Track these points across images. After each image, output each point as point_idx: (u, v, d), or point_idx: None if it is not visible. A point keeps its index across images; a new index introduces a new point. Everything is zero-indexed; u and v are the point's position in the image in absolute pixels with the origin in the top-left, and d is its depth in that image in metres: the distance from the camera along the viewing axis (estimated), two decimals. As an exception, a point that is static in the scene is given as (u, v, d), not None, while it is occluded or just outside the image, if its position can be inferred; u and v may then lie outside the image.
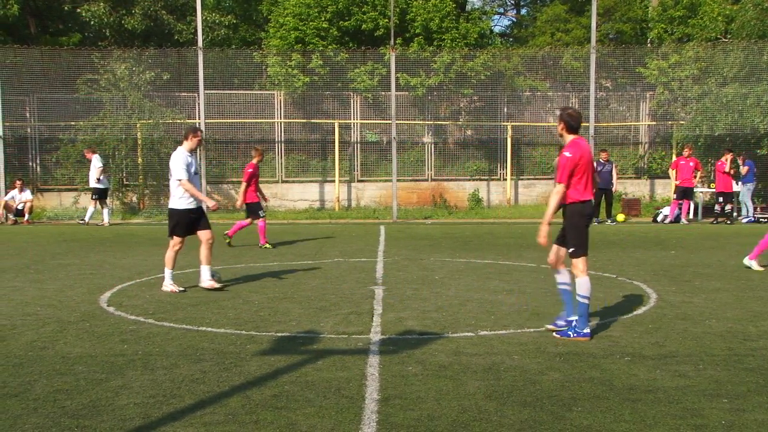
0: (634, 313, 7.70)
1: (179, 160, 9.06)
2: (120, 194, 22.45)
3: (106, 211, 19.44)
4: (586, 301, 6.60)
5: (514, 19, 40.64)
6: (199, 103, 21.48)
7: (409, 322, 7.23)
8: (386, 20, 24.35)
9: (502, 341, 6.47)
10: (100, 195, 19.44)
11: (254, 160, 13.98)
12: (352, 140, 23.70)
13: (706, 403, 4.85)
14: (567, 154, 6.58)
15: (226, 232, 14.14)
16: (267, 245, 13.84)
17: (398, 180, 21.86)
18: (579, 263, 6.76)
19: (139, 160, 22.52)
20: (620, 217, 20.38)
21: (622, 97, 25.10)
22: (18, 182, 20.56)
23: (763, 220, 19.80)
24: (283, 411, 4.66)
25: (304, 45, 24.55)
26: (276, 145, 23.40)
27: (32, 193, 21.21)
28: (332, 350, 6.19)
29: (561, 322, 6.81)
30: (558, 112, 6.87)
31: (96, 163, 19.36)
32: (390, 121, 21.59)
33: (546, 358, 5.91)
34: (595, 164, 20.25)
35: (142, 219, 21.26)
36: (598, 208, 19.63)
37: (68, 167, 22.22)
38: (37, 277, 10.31)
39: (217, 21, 26.56)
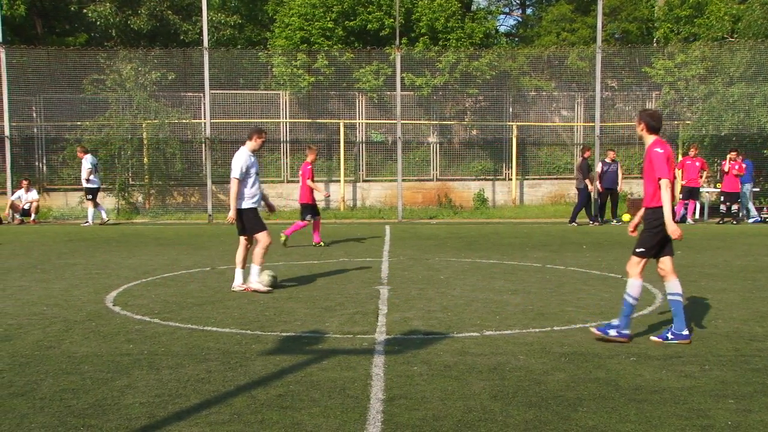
0: (640, 313, 7.68)
1: (240, 159, 9.00)
2: (126, 194, 22.50)
3: (91, 211, 19.50)
4: (633, 302, 6.45)
5: (520, 19, 40.59)
6: (204, 103, 21.51)
7: (415, 322, 7.23)
8: (391, 20, 24.35)
9: (507, 341, 6.47)
10: (92, 194, 19.49)
11: (309, 159, 13.93)
12: (357, 140, 23.70)
13: (713, 403, 4.83)
14: (658, 149, 6.47)
15: (284, 231, 14.11)
16: (321, 244, 13.98)
17: (403, 180, 21.85)
18: (637, 265, 6.49)
19: (145, 159, 22.57)
20: (626, 217, 20.32)
21: (627, 96, 25.04)
22: (24, 182, 20.62)
23: (769, 220, 19.72)
24: (289, 411, 4.66)
25: (309, 45, 24.57)
26: (281, 145, 23.41)
27: (38, 192, 21.27)
28: (337, 350, 6.19)
29: (669, 335, 6.47)
30: (638, 113, 6.74)
31: (86, 164, 19.38)
32: (395, 121, 21.58)
33: (551, 358, 5.90)
34: (600, 164, 20.02)
35: (147, 219, 21.31)
36: (604, 208, 19.59)
37: (74, 167, 22.25)
38: (44, 276, 10.34)
39: (222, 21, 26.61)
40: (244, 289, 9.00)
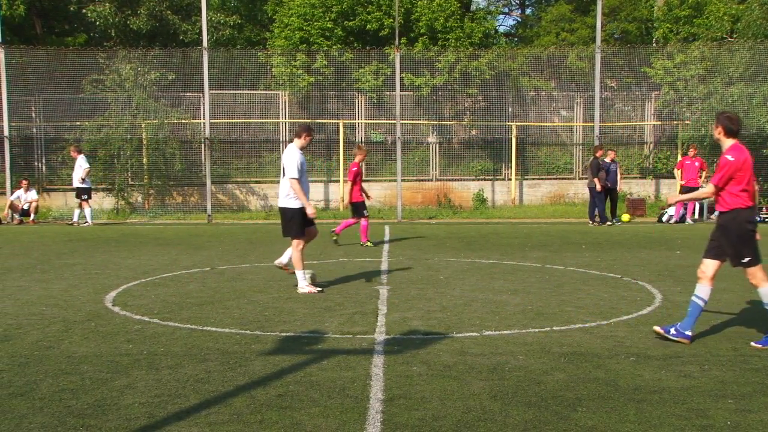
0: (639, 313, 7.68)
1: (294, 158, 8.90)
2: (125, 194, 22.50)
3: (77, 212, 19.53)
4: None
5: (519, 19, 40.61)
6: (204, 103, 21.51)
7: (414, 322, 7.23)
8: (391, 20, 24.36)
9: (506, 341, 6.47)
10: (88, 195, 19.50)
11: (357, 159, 13.95)
12: (356, 140, 23.70)
13: (712, 403, 4.83)
14: (729, 157, 6.27)
15: (333, 229, 14.20)
16: (368, 243, 13.98)
17: (403, 180, 21.86)
18: (757, 273, 6.34)
19: (145, 160, 22.57)
20: (625, 217, 20.34)
21: (627, 96, 25.05)
22: (24, 182, 20.62)
23: (768, 220, 19.74)
24: (288, 411, 4.66)
25: (308, 45, 24.57)
26: (281, 145, 23.41)
27: (38, 192, 21.27)
28: (337, 350, 6.19)
29: (672, 330, 6.41)
30: (716, 115, 6.55)
31: (82, 163, 19.38)
32: (395, 121, 21.58)
33: (551, 358, 5.90)
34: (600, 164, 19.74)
35: (146, 219, 21.32)
36: (604, 208, 19.58)
37: (74, 167, 22.26)
38: (43, 276, 10.34)
39: (222, 21, 26.61)
40: (308, 292, 8.89)
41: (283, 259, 9.40)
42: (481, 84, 23.68)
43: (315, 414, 4.61)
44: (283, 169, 8.96)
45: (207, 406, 4.74)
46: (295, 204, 8.92)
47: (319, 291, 8.89)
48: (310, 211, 8.93)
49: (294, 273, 9.10)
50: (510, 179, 24.00)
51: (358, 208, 13.92)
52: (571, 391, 5.06)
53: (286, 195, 8.97)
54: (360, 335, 6.70)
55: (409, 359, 5.86)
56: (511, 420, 4.50)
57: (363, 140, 23.65)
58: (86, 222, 19.44)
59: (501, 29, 39.24)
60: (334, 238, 14.06)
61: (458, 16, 25.64)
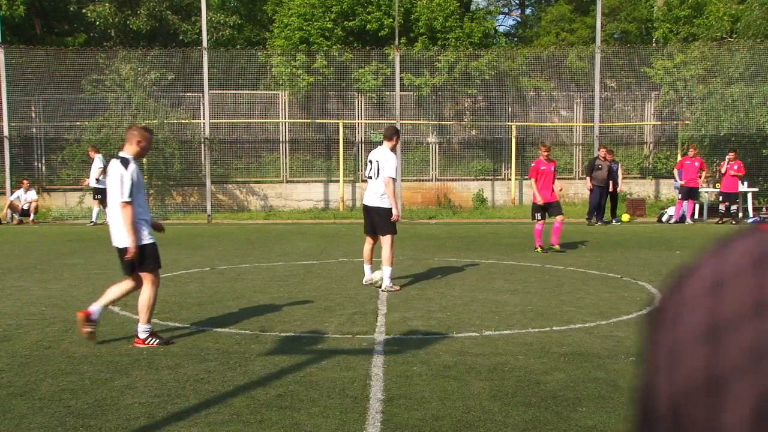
0: (639, 313, 7.68)
1: (394, 160, 9.20)
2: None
3: (95, 210, 19.55)
4: None
5: (519, 19, 40.62)
6: (203, 103, 21.52)
7: (414, 322, 7.23)
8: (390, 20, 24.36)
9: (506, 341, 6.47)
10: (102, 194, 19.53)
11: (542, 157, 13.20)
12: (356, 140, 23.70)
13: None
14: None
15: (552, 241, 13.00)
16: (556, 246, 12.89)
17: (402, 180, 21.85)
18: None
19: (144, 160, 22.55)
20: (625, 217, 20.33)
21: (627, 96, 25.06)
22: (25, 182, 20.63)
23: (768, 220, 19.73)
24: (288, 411, 4.66)
25: (308, 45, 24.58)
26: (280, 145, 23.42)
27: (37, 193, 21.27)
28: (337, 350, 6.19)
29: None
30: None
31: (98, 163, 19.42)
32: (394, 121, 21.59)
33: (551, 358, 5.90)
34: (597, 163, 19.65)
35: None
36: (603, 208, 19.59)
37: (73, 167, 22.28)
38: (43, 276, 10.34)
39: (222, 21, 26.60)
40: (384, 289, 9.05)
41: (377, 276, 9.34)
42: (480, 84, 23.69)
43: (315, 414, 4.61)
44: (378, 169, 9.17)
45: (207, 406, 4.75)
46: (388, 204, 9.18)
47: (396, 289, 9.09)
48: (395, 215, 9.24)
49: (388, 289, 9.10)
50: (510, 179, 24.00)
51: (541, 209, 12.89)
52: (570, 391, 5.06)
53: (381, 195, 9.21)
54: (360, 335, 6.70)
55: (409, 359, 5.86)
56: (511, 420, 4.50)
57: (363, 140, 23.65)
58: (92, 222, 19.47)
59: (501, 29, 39.26)
60: (557, 248, 12.89)
61: (458, 16, 25.65)
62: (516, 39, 37.33)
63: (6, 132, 21.38)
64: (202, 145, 21.87)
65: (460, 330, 6.89)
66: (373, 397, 4.92)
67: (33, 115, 22.84)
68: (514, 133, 23.69)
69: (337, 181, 23.17)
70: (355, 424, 4.44)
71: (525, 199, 24.16)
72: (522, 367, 5.65)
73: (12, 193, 20.82)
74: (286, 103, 23.54)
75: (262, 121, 23.41)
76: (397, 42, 21.61)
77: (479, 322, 7.23)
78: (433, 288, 9.25)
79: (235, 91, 23.51)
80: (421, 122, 24.04)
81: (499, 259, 12.15)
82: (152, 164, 22.58)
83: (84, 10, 25.83)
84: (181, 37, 26.61)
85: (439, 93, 23.87)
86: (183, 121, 22.41)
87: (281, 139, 23.52)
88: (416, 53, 23.61)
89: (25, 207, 20.48)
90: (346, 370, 5.53)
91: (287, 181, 23.50)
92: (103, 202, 19.59)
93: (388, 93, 23.14)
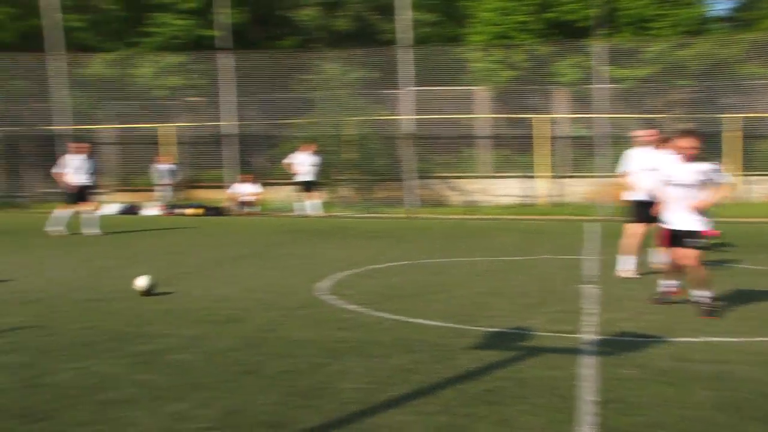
0: None
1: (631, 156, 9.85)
2: (333, 188, 23.67)
3: (309, 203, 20.72)
4: None
5: (738, 2, 37.36)
6: (404, 100, 22.05)
7: (623, 323, 6.93)
8: (592, 10, 23.46)
9: (729, 349, 5.99)
10: (308, 187, 20.75)
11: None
12: (556, 134, 23.14)
13: None
14: None
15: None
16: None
17: (607, 176, 20.98)
18: None
19: (349, 155, 23.58)
20: None
21: None
22: (249, 176, 22.46)
23: None
24: (497, 406, 4.66)
25: (506, 39, 24.37)
26: (480, 140, 23.44)
27: (260, 186, 22.94)
28: (543, 348, 6.08)
29: None
30: None
31: (307, 159, 20.66)
32: (595, 115, 20.78)
33: (783, 370, 5.39)
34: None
35: (350, 212, 22.25)
36: None
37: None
38: (263, 264, 11.16)
39: (420, 19, 27.13)
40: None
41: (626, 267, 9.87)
42: (692, 74, 22.11)
43: (524, 411, 4.56)
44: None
45: (416, 396, 4.86)
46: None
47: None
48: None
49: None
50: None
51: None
52: (809, 408, 4.59)
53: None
54: (566, 334, 6.53)
55: (620, 361, 5.62)
56: (739, 434, 4.17)
57: (564, 135, 23.01)
58: (305, 214, 20.77)
59: (716, 14, 36.40)
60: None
61: (669, 3, 24.13)
62: (735, 23, 34.41)
63: (233, 130, 23.30)
64: (403, 141, 22.43)
65: (675, 334, 6.50)
66: (582, 398, 4.78)
67: (251, 114, 24.70)
68: (734, 125, 21.80)
69: (539, 177, 22.75)
70: (564, 425, 4.34)
71: (753, 196, 22.24)
72: (751, 378, 5.20)
73: (237, 186, 22.65)
74: (485, 98, 23.51)
75: (462, 116, 23.58)
76: (598, 33, 20.73)
77: (697, 326, 6.77)
78: (644, 288, 8.77)
79: (433, 87, 23.85)
80: (623, 116, 22.92)
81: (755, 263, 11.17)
82: (357, 159, 23.54)
83: (293, 15, 27.50)
84: (380, 36, 27.50)
85: (647, 85, 22.60)
86: (385, 117, 23.14)
87: (480, 134, 23.53)
88: (620, 44, 22.51)
89: (248, 199, 22.24)
90: (554, 369, 5.42)
91: (488, 177, 23.47)
92: (307, 194, 20.82)
93: (589, 86, 22.32)
